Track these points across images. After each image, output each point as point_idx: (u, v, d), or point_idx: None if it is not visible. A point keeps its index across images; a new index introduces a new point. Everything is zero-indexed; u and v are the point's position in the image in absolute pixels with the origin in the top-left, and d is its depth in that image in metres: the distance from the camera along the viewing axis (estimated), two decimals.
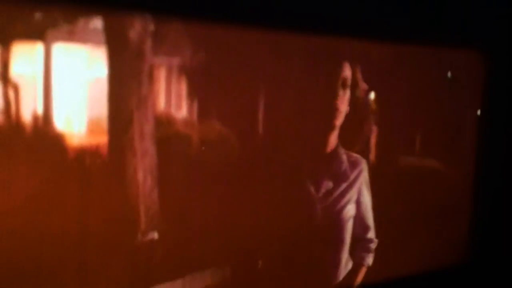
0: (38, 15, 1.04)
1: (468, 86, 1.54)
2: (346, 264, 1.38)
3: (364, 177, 1.40)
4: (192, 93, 1.21)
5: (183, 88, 1.20)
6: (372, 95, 1.39)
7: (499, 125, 1.55)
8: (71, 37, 1.06)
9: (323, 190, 1.32)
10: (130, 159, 1.22)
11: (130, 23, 1.13)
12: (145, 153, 1.23)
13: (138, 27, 1.13)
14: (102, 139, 1.18)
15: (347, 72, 1.32)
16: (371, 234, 1.44)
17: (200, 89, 1.18)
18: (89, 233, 1.15)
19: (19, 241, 1.05)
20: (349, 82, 1.32)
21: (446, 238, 1.55)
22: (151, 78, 1.19)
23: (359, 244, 1.41)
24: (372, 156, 1.41)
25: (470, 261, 1.56)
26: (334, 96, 1.30)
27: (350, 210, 1.37)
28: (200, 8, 1.10)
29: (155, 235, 1.26)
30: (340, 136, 1.33)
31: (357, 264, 1.41)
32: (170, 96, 1.24)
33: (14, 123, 1.02)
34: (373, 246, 1.44)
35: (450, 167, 1.57)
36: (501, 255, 1.60)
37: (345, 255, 1.37)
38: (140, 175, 1.25)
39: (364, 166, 1.40)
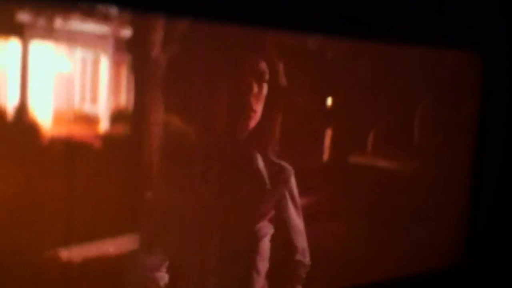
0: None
1: (464, 88, 1.46)
2: None
3: (290, 190, 1.11)
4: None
5: None
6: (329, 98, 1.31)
7: (495, 127, 1.49)
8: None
9: (230, 201, 1.13)
10: (148, 138, 1.53)
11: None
12: (156, 135, 1.51)
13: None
14: (129, 124, 1.52)
15: (263, 65, 1.09)
16: (301, 257, 1.13)
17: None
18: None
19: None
20: (266, 76, 1.09)
21: (438, 241, 1.50)
22: (161, 78, 1.43)
23: (285, 268, 1.15)
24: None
25: (461, 263, 1.50)
26: (247, 92, 1.10)
27: (263, 227, 1.12)
28: None
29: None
30: (256, 140, 1.12)
31: None
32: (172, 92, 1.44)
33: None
34: (302, 271, 1.14)
35: (445, 169, 1.51)
36: (493, 257, 1.53)
37: (259, 282, 1.12)
38: (152, 150, 1.53)
39: (289, 176, 1.11)
